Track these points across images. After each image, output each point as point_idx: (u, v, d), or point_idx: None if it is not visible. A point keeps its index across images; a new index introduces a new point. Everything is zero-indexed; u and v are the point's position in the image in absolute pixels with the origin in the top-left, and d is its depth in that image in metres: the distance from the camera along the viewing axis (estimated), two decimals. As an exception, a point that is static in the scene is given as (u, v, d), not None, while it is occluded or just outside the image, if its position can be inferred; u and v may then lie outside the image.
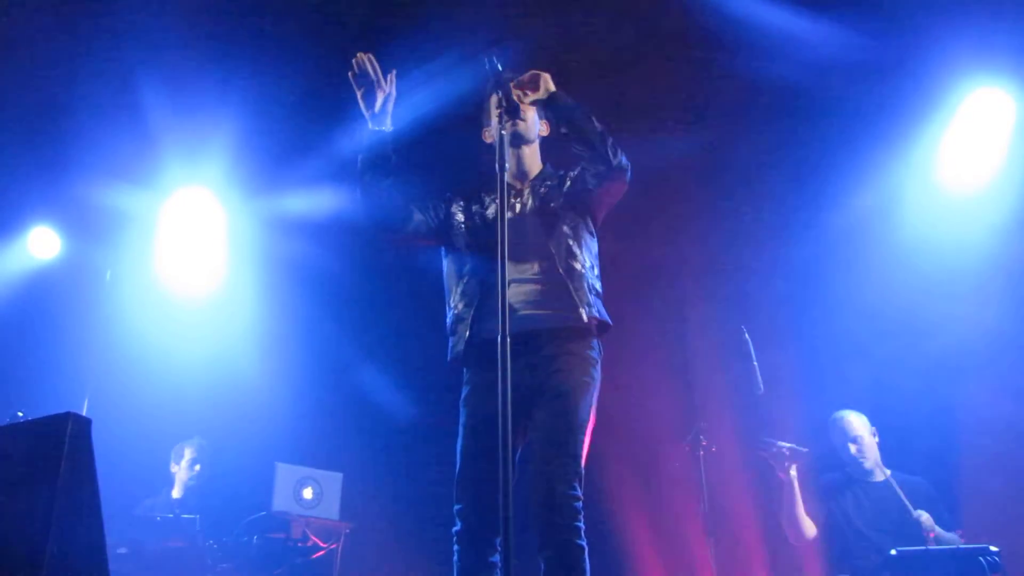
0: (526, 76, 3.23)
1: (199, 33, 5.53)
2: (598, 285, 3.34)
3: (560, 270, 3.25)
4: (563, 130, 3.35)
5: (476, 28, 5.28)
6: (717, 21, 5.27)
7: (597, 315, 3.25)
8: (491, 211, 3.43)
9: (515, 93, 3.17)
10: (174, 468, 5.80)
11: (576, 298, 3.21)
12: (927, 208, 5.70)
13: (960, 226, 5.58)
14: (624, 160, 3.34)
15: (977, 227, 5.53)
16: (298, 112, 6.09)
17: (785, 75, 5.36)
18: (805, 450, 4.80)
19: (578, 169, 3.43)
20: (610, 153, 3.28)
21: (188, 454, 5.78)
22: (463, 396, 3.28)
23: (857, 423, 4.99)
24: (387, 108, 3.37)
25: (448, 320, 3.38)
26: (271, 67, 5.78)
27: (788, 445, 4.79)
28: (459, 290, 3.35)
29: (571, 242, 3.31)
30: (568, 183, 3.43)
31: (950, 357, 5.44)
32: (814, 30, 5.21)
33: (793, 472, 4.81)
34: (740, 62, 5.44)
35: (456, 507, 3.14)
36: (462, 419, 3.25)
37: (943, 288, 5.46)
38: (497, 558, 3.06)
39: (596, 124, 3.29)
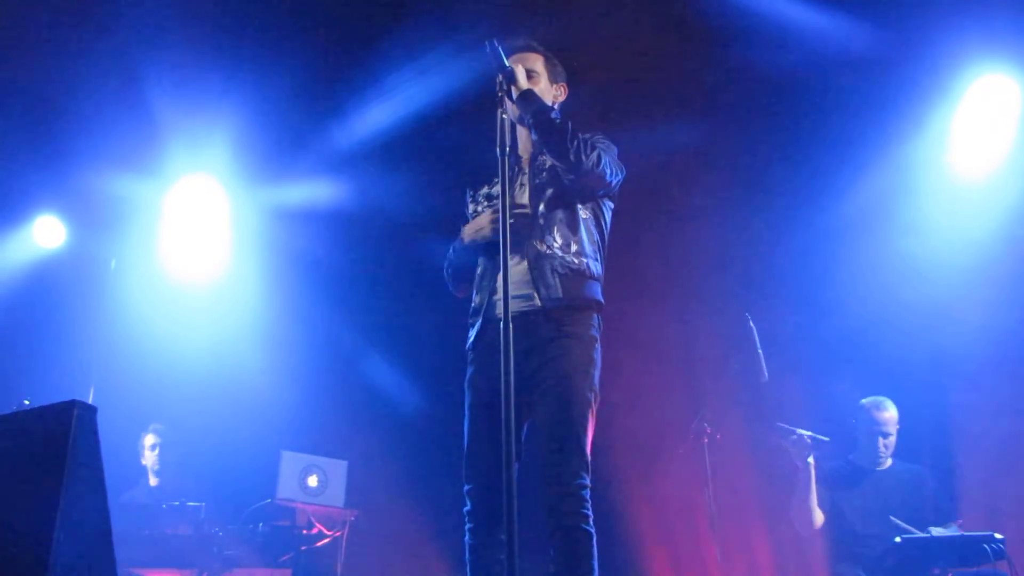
0: (508, 70, 3.11)
1: (203, 22, 5.53)
2: (577, 263, 3.22)
3: (529, 252, 3.22)
4: (532, 135, 3.31)
5: (477, 20, 5.26)
6: (722, 12, 5.25)
7: (559, 296, 3.16)
8: (495, 190, 3.42)
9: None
10: (143, 460, 5.84)
11: (533, 280, 3.17)
12: (935, 198, 5.68)
13: (968, 215, 5.57)
14: (595, 164, 3.22)
15: (986, 216, 5.52)
16: (302, 100, 6.09)
17: (789, 65, 5.35)
18: (826, 439, 4.78)
19: None
20: (573, 159, 3.18)
21: (148, 441, 5.82)
22: (467, 377, 3.30)
23: (894, 417, 4.91)
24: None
25: (470, 310, 3.38)
26: (275, 56, 5.78)
27: (808, 433, 4.77)
28: (478, 280, 3.37)
29: (542, 221, 3.26)
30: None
31: (954, 346, 5.42)
32: (818, 20, 5.20)
33: (811, 460, 4.79)
34: (744, 52, 5.42)
35: (466, 487, 3.16)
36: (467, 400, 3.27)
37: (949, 278, 5.44)
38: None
39: (561, 129, 3.19)
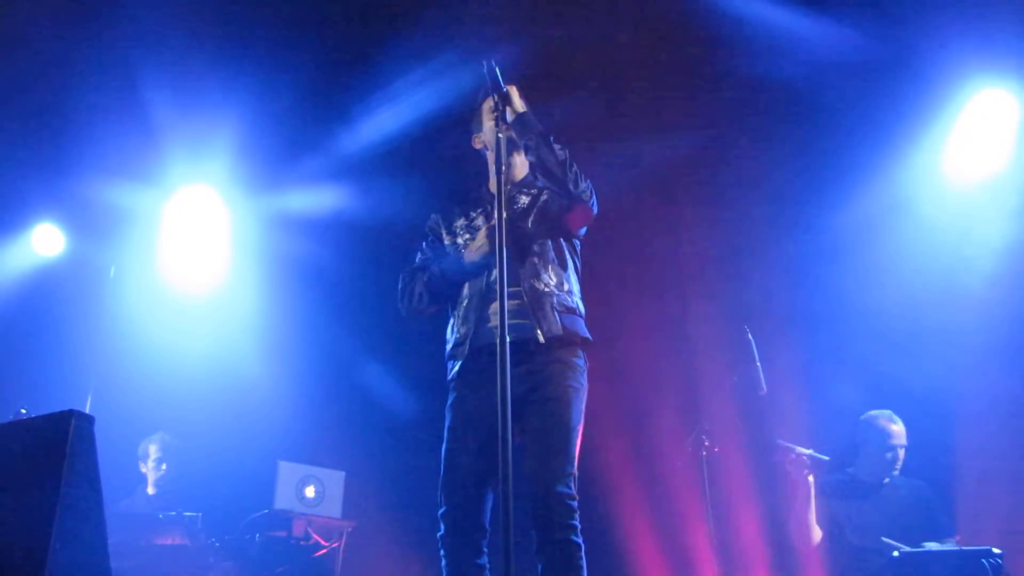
0: (504, 90, 3.16)
1: (202, 31, 5.54)
2: (570, 301, 3.29)
3: (524, 287, 3.23)
4: (528, 156, 3.33)
5: (477, 29, 5.28)
6: (721, 22, 5.26)
7: (560, 333, 3.19)
8: (477, 222, 3.45)
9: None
10: (143, 467, 5.79)
11: (535, 317, 3.19)
12: (932, 210, 5.68)
13: (965, 228, 5.57)
14: (586, 191, 3.29)
15: (982, 230, 5.52)
16: (301, 110, 6.10)
17: (788, 76, 5.36)
18: (826, 458, 4.75)
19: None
20: (570, 184, 3.23)
21: (153, 452, 5.76)
22: (449, 402, 3.31)
23: (903, 433, 4.87)
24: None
25: (449, 345, 3.38)
26: (274, 65, 5.79)
27: (808, 452, 4.75)
28: (460, 314, 3.36)
29: (536, 260, 3.28)
30: (543, 198, 3.40)
31: (952, 360, 5.42)
32: (818, 31, 5.21)
33: (811, 479, 4.77)
34: (744, 62, 5.43)
35: (440, 511, 3.16)
36: (447, 423, 3.28)
37: (947, 291, 5.44)
38: (484, 560, 3.09)
39: (558, 152, 3.23)
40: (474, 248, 3.36)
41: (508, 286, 3.09)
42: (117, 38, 5.57)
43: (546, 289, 3.24)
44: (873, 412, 4.99)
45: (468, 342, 3.27)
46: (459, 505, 3.12)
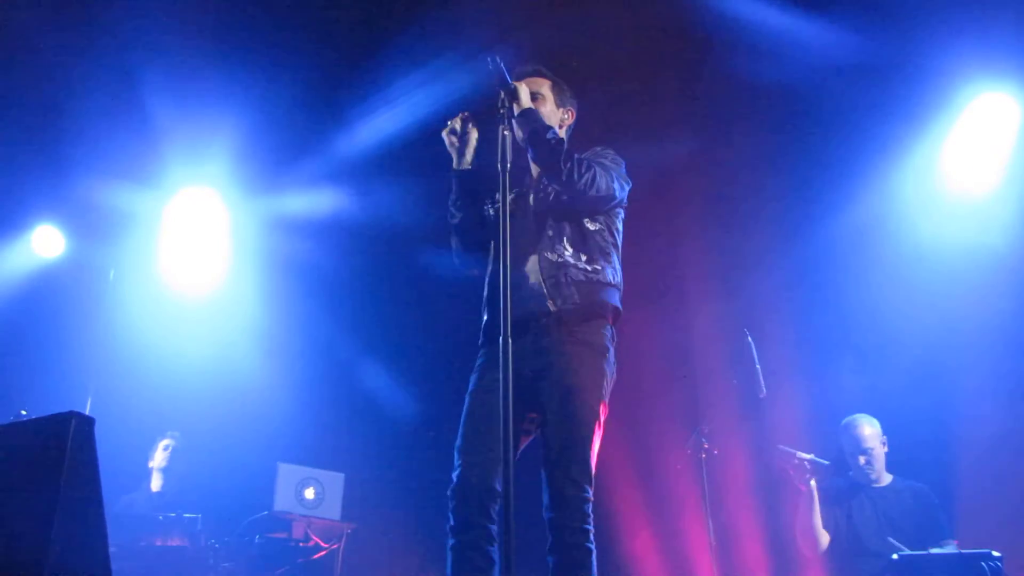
0: (511, 87, 3.16)
1: (202, 33, 5.54)
2: (590, 272, 3.22)
3: (540, 261, 3.22)
4: (528, 154, 3.32)
5: (477, 29, 5.28)
6: (718, 24, 5.26)
7: (576, 303, 3.15)
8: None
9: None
10: (151, 463, 5.82)
11: (547, 287, 3.17)
12: (930, 213, 5.69)
13: (963, 231, 5.57)
14: (588, 185, 3.22)
15: (980, 232, 5.52)
16: (301, 112, 6.10)
17: (788, 78, 5.36)
18: (827, 463, 4.76)
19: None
20: (565, 179, 3.20)
21: (163, 443, 5.79)
22: (476, 365, 3.29)
23: (869, 433, 4.92)
24: (471, 149, 3.43)
25: (482, 327, 3.39)
26: (274, 67, 5.79)
27: (809, 457, 4.76)
28: (486, 300, 3.38)
29: (551, 233, 3.26)
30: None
31: (952, 363, 5.42)
32: (816, 33, 5.21)
33: (813, 483, 4.78)
34: (743, 65, 5.43)
35: (455, 462, 3.09)
36: (470, 386, 3.24)
37: (946, 293, 5.44)
38: (492, 528, 3.00)
39: (556, 149, 3.20)
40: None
41: (522, 264, 3.20)
42: (117, 40, 5.57)
43: (559, 259, 3.22)
44: (845, 419, 5.02)
45: (489, 327, 3.28)
46: (472, 460, 3.04)
